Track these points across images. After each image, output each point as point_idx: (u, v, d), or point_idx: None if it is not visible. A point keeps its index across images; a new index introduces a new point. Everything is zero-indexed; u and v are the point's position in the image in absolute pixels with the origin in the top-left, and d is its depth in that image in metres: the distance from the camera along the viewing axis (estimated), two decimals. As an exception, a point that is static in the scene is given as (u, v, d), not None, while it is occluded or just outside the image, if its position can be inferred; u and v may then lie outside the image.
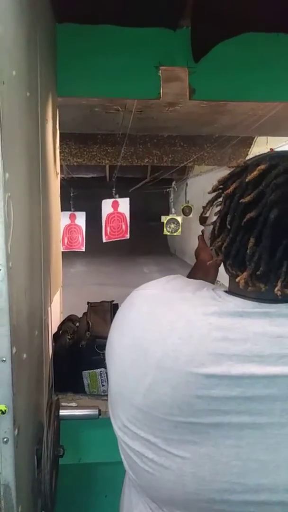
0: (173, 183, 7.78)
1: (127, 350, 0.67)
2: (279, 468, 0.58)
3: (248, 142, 5.67)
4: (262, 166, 0.62)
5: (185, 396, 0.60)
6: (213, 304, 0.64)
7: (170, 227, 5.85)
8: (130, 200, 4.62)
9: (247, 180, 0.63)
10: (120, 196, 4.67)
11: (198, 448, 0.60)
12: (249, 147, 5.79)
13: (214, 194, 0.71)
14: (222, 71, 1.64)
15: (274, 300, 0.62)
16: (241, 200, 0.62)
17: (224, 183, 0.69)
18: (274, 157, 0.64)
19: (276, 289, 0.60)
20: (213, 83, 1.64)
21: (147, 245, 13.35)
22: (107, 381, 1.41)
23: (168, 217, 5.91)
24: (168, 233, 5.89)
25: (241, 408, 0.58)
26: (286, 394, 0.57)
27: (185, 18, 1.56)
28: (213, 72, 1.63)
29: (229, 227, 0.64)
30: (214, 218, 0.69)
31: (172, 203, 6.86)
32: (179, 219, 5.93)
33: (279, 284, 0.60)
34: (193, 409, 0.59)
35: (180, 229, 5.87)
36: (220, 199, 0.69)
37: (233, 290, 0.68)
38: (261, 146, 5.59)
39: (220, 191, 0.70)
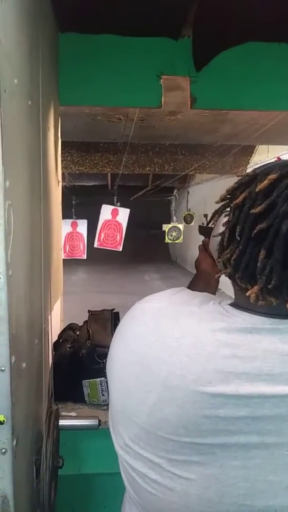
0: (175, 191, 7.78)
1: (129, 366, 0.65)
2: (287, 489, 0.56)
3: (249, 151, 5.69)
4: (273, 176, 0.60)
5: (192, 416, 0.58)
6: (220, 320, 0.62)
7: (171, 235, 5.85)
8: (132, 208, 4.61)
9: (257, 189, 0.61)
10: (122, 204, 4.67)
11: (204, 469, 0.58)
12: (250, 156, 5.82)
13: (221, 203, 0.69)
14: (224, 80, 1.65)
15: (285, 315, 0.60)
16: (251, 211, 0.60)
17: (232, 192, 0.67)
18: (284, 166, 0.62)
19: None
20: (214, 92, 1.64)
21: (148, 252, 13.36)
22: (107, 391, 1.40)
23: (170, 225, 5.91)
24: (170, 241, 5.89)
25: (249, 428, 0.57)
26: None
27: (186, 28, 1.57)
28: (215, 81, 1.64)
29: (238, 238, 0.62)
30: (222, 228, 0.67)
31: (173, 211, 6.86)
32: (181, 227, 5.94)
33: None
34: (199, 429, 0.58)
35: (181, 237, 5.87)
36: (228, 209, 0.67)
37: (240, 304, 0.66)
38: (262, 154, 5.61)
39: (228, 200, 0.67)
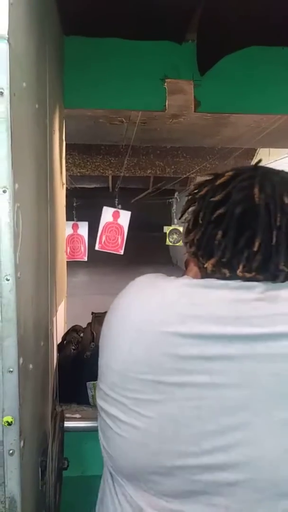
0: (176, 193, 7.80)
1: (114, 324, 0.74)
2: (235, 431, 0.61)
3: (250, 154, 5.69)
4: (230, 173, 0.74)
5: (156, 355, 0.65)
6: (185, 280, 0.74)
7: (172, 238, 5.86)
8: (133, 211, 4.60)
9: (217, 183, 0.74)
10: (123, 207, 4.67)
11: (163, 408, 0.64)
12: (252, 159, 5.82)
13: (189, 196, 0.81)
14: (227, 84, 1.66)
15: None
16: (211, 199, 0.72)
17: (198, 187, 0.79)
18: (241, 168, 0.77)
19: (238, 271, 0.68)
20: (218, 96, 1.66)
21: (149, 255, 13.35)
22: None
23: (171, 228, 5.92)
24: (171, 244, 5.90)
25: (202, 368, 0.63)
26: (243, 355, 0.62)
27: (190, 32, 1.58)
28: (218, 85, 1.65)
29: (201, 222, 0.73)
30: (188, 216, 0.79)
31: (174, 214, 6.87)
32: (182, 229, 5.94)
33: (240, 267, 0.68)
34: (161, 367, 0.65)
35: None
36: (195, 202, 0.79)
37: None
38: (264, 157, 5.62)
39: (195, 193, 0.79)
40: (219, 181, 0.74)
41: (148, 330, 0.68)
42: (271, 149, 5.36)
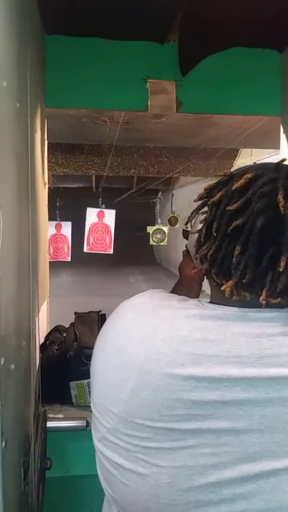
0: (159, 193, 7.82)
1: (110, 358, 0.66)
2: (256, 477, 0.56)
3: (233, 154, 5.76)
4: (249, 175, 0.63)
5: (165, 400, 0.59)
6: (195, 309, 0.65)
7: (156, 237, 5.88)
8: (116, 210, 4.60)
9: (233, 188, 0.63)
10: (107, 207, 4.66)
11: (175, 456, 0.58)
12: (234, 159, 5.89)
13: (200, 202, 0.71)
14: (209, 85, 1.67)
15: (258, 308, 0.62)
16: (227, 208, 0.62)
17: (210, 191, 0.69)
18: (260, 168, 0.65)
19: (261, 298, 0.60)
20: (200, 96, 1.67)
21: (133, 255, 13.36)
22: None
23: (154, 227, 5.93)
24: (155, 243, 5.91)
25: (220, 413, 0.57)
26: (265, 398, 0.56)
27: (172, 32, 1.59)
28: (200, 86, 1.66)
29: (215, 234, 0.64)
30: (200, 226, 0.69)
31: (158, 214, 6.89)
32: (165, 229, 5.96)
33: (264, 293, 0.60)
34: (172, 414, 0.58)
35: (166, 239, 5.89)
36: (206, 208, 0.69)
37: (216, 301, 0.68)
38: (246, 158, 5.68)
39: (206, 199, 0.69)
40: (235, 185, 0.63)
41: (154, 371, 0.60)
42: (253, 150, 5.42)
